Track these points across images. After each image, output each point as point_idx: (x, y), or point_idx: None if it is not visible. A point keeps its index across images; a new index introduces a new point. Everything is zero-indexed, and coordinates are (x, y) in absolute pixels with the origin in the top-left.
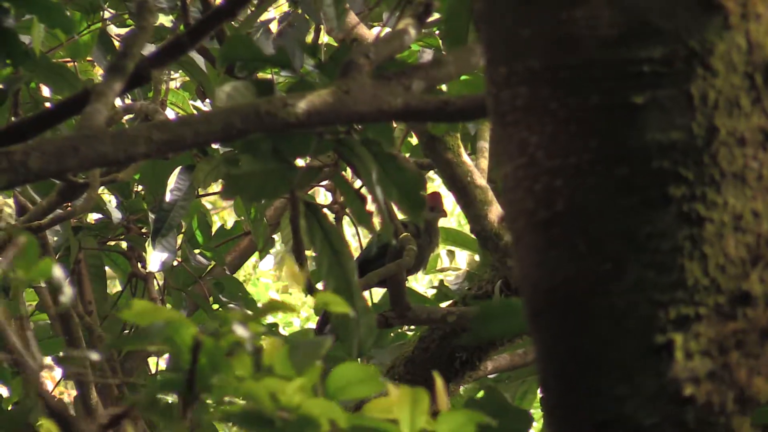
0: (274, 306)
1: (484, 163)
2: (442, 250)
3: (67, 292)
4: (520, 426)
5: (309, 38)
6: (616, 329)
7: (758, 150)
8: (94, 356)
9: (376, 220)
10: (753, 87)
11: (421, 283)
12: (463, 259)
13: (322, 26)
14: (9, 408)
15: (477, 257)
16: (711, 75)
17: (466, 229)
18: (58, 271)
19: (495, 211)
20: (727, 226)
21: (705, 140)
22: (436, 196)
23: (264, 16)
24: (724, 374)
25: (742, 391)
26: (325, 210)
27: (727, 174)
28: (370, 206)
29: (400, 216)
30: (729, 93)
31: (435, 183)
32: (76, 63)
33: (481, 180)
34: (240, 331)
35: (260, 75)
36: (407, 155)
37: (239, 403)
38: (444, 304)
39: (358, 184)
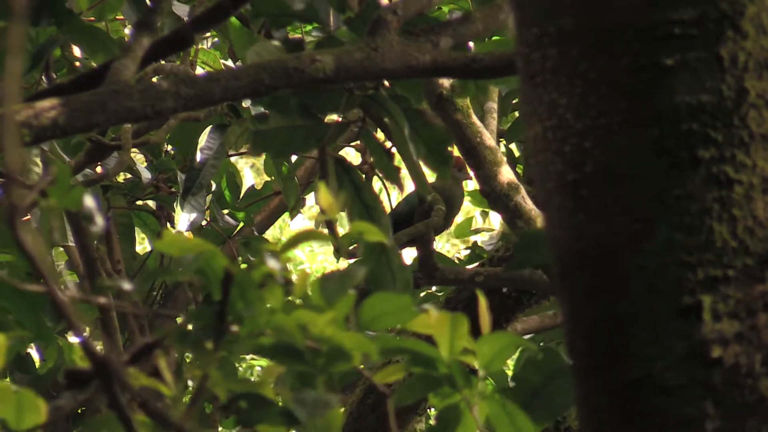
0: (306, 235)
1: (493, 123)
2: (475, 211)
3: (99, 222)
4: None
5: None
6: (646, 290)
7: None
8: (126, 285)
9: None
10: None
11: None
12: (497, 220)
13: None
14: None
15: None
16: (741, 37)
17: None
18: (90, 200)
19: (504, 172)
20: (755, 188)
21: (734, 102)
22: (460, 160)
23: None
24: (751, 336)
25: None
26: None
27: (756, 136)
28: (397, 163)
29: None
30: (758, 55)
31: None
32: (106, 22)
33: (490, 141)
34: (271, 262)
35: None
36: None
37: (270, 335)
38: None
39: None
